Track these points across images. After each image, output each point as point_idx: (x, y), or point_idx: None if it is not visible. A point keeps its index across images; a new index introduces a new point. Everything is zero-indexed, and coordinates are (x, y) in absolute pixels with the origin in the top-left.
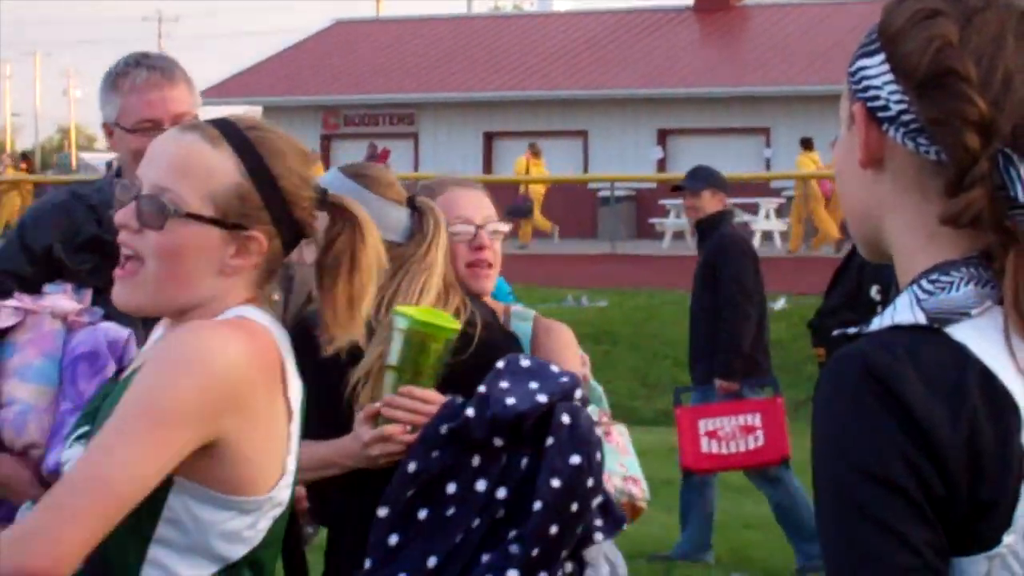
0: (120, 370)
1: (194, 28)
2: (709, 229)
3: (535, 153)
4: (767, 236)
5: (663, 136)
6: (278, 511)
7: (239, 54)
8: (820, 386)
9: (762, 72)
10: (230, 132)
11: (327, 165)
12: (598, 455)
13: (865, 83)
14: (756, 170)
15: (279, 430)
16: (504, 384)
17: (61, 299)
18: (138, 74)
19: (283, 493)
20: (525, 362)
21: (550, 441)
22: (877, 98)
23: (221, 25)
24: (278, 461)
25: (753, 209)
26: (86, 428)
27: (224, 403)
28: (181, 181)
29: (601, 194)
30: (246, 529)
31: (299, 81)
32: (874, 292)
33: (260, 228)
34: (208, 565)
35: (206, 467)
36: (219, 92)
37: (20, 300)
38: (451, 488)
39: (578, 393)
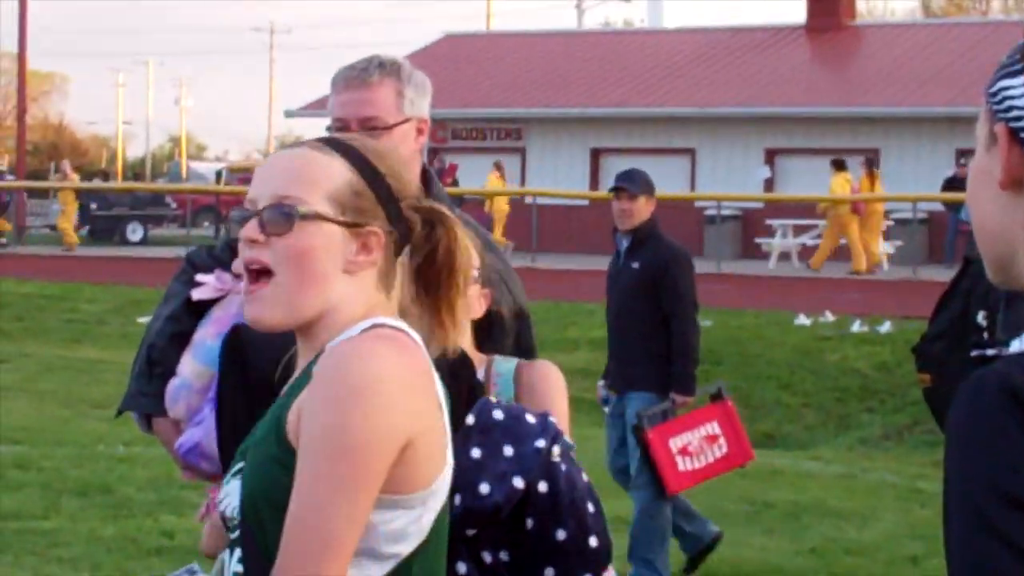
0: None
1: (306, 39)
2: (646, 236)
3: (499, 169)
4: None
5: (771, 156)
6: (440, 504)
7: None
8: (956, 407)
9: (872, 93)
10: (333, 141)
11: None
12: (590, 507)
13: (1008, 103)
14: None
15: (437, 426)
16: (476, 453)
17: None
18: (342, 73)
19: (444, 485)
20: (498, 414)
21: (529, 523)
22: (1021, 118)
23: (333, 37)
24: (440, 455)
25: None
26: (242, 464)
27: (400, 418)
28: (298, 186)
29: (707, 213)
30: (411, 524)
31: None
32: (980, 318)
33: (377, 224)
34: (377, 566)
35: (401, 471)
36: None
37: (220, 278)
38: (462, 569)
39: (556, 450)
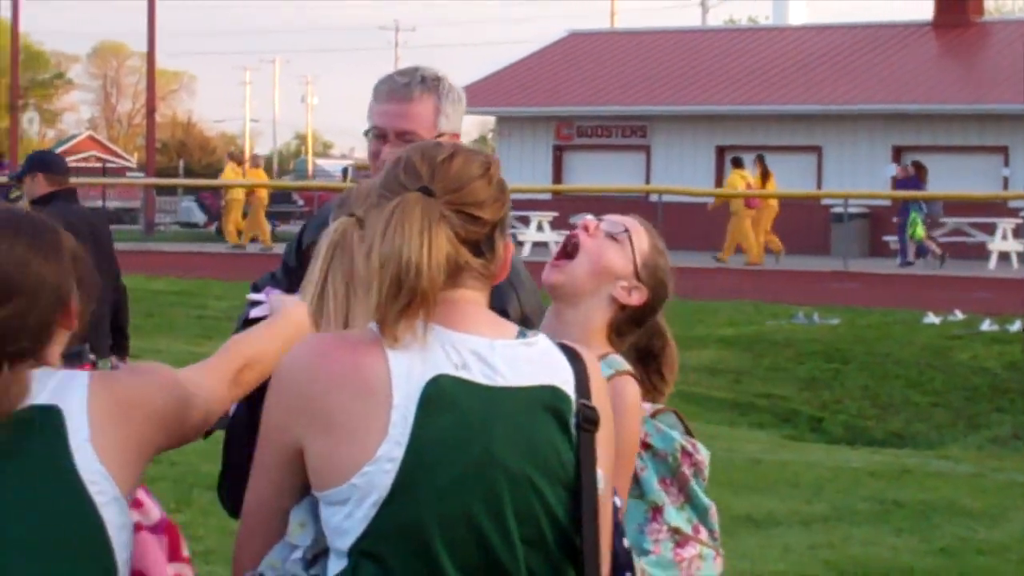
0: None
1: (431, 37)
2: (41, 208)
3: None
4: (1004, 256)
5: (898, 153)
6: (373, 499)
7: (475, 64)
8: None
9: (1001, 89)
10: None
11: (558, 176)
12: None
13: None
14: (993, 189)
15: (356, 421)
16: None
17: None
18: (386, 83)
19: (375, 480)
20: None
21: None
22: None
23: (457, 35)
24: (359, 450)
25: (989, 229)
26: None
27: (285, 415)
28: None
29: (834, 211)
30: (345, 520)
31: (533, 92)
32: None
33: None
34: (337, 560)
35: (308, 471)
36: None
37: (268, 294)
38: None
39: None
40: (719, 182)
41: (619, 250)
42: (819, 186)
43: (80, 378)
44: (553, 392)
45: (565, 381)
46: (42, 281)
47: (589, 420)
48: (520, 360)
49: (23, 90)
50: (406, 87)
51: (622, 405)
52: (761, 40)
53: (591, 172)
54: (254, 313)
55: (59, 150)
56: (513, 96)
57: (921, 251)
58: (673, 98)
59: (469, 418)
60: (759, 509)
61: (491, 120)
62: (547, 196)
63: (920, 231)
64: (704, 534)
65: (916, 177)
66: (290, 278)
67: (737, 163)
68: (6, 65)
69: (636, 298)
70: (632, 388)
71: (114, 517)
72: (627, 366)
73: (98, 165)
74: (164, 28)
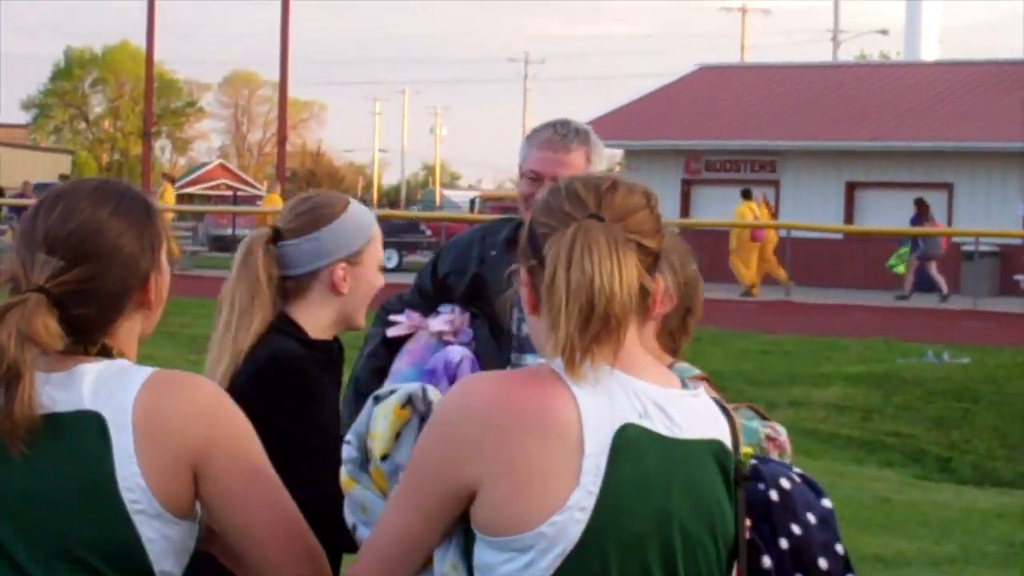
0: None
1: (560, 70)
2: None
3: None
4: None
5: None
6: (559, 550)
7: (604, 97)
8: None
9: None
10: None
11: (686, 210)
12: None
13: None
14: None
15: (541, 467)
16: (784, 544)
17: (439, 319)
18: (544, 132)
19: (565, 529)
20: (773, 495)
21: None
22: None
23: (586, 68)
24: (547, 496)
25: None
26: None
27: (458, 450)
28: None
29: (965, 248)
30: (523, 570)
31: (662, 125)
32: None
33: None
34: None
35: (476, 513)
36: None
37: (409, 317)
38: None
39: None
40: (848, 218)
41: None
42: (949, 223)
43: (133, 381)
44: (720, 446)
45: (725, 436)
46: (118, 249)
47: (743, 476)
48: (691, 412)
49: (156, 118)
50: (564, 138)
51: None
52: (892, 76)
53: (719, 206)
54: (392, 333)
55: (190, 178)
56: (642, 129)
57: (927, 286)
58: (803, 133)
59: (652, 470)
60: (888, 549)
61: (618, 153)
62: (675, 231)
63: (900, 267)
64: None
65: (918, 214)
66: (426, 303)
67: (747, 195)
68: (140, 93)
69: (668, 305)
70: (709, 393)
71: (151, 532)
72: (696, 371)
73: (228, 193)
74: (295, 57)
